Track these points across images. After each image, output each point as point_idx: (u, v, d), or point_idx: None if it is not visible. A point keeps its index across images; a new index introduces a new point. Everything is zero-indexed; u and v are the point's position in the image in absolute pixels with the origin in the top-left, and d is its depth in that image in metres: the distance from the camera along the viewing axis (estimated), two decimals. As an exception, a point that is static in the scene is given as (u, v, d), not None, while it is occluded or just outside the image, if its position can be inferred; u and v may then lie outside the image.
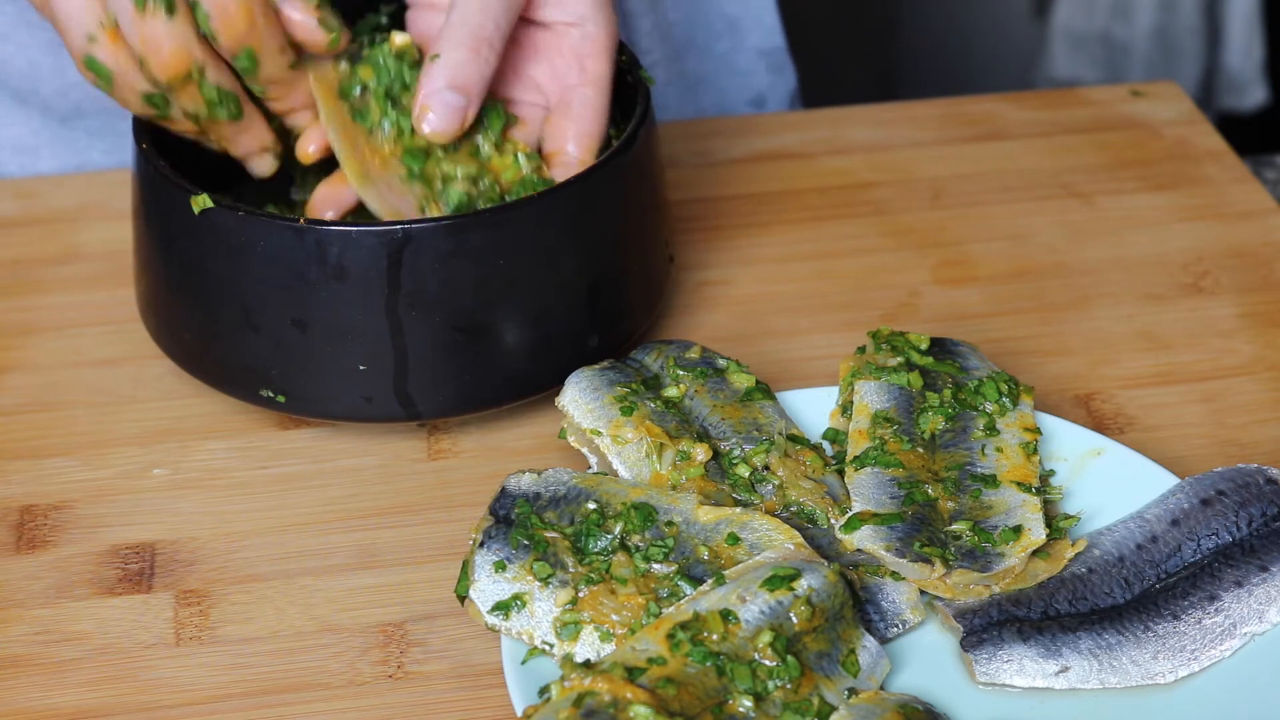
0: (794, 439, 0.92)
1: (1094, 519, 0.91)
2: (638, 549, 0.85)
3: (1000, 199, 1.20)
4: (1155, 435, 1.00)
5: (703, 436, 0.92)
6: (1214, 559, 0.86)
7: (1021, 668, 0.83)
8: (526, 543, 0.85)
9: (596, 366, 0.95)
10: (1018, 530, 0.86)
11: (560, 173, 0.98)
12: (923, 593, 0.87)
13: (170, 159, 0.96)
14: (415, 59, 0.99)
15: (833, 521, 0.89)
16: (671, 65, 1.34)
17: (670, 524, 0.86)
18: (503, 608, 0.84)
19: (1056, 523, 0.89)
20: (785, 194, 1.21)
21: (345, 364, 0.94)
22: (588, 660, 0.79)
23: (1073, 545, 0.87)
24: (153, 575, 0.92)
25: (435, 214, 0.96)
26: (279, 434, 1.00)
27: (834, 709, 0.78)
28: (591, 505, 0.86)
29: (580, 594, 0.83)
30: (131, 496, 0.97)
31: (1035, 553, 0.87)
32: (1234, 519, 0.87)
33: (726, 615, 0.79)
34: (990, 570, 0.85)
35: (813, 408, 0.97)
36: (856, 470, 0.90)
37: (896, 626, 0.85)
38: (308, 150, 0.99)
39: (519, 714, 0.80)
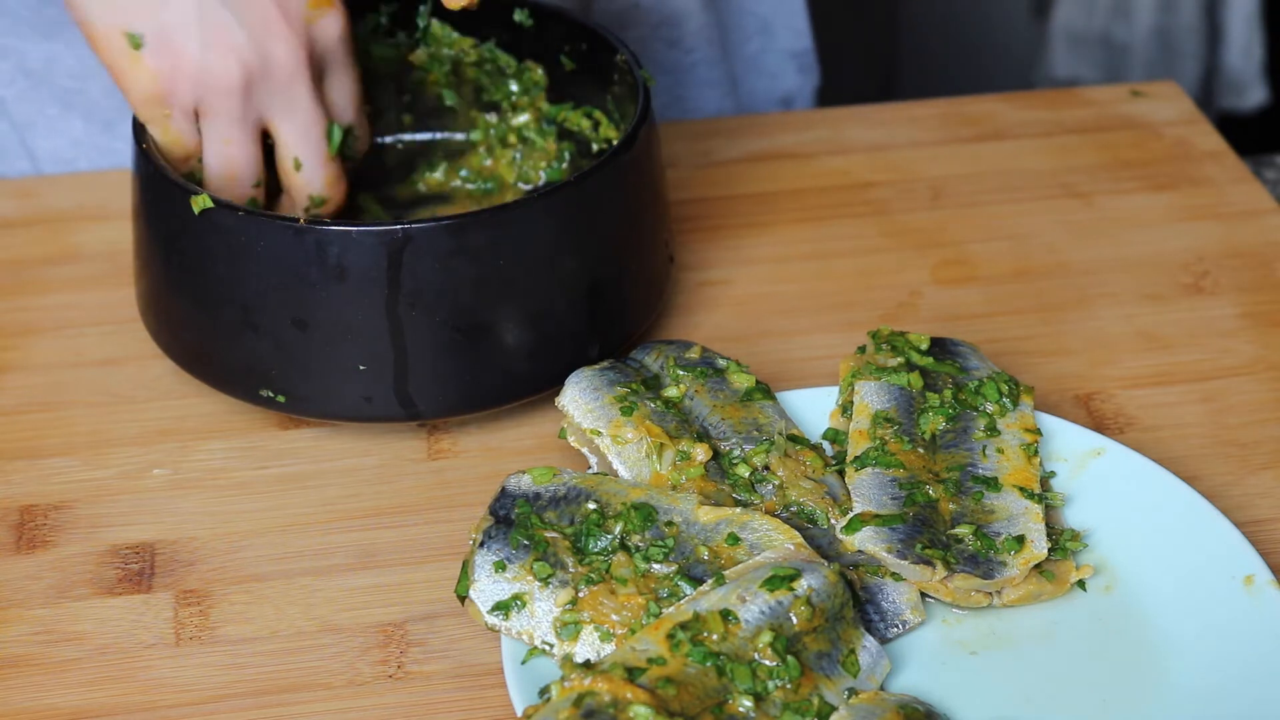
0: (794, 439, 0.92)
1: (1094, 520, 0.91)
2: (638, 549, 0.85)
3: (1000, 199, 1.20)
4: (1155, 435, 1.00)
5: (703, 436, 0.92)
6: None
7: None
8: (526, 543, 0.85)
9: (596, 366, 0.95)
10: (1020, 540, 0.86)
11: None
12: (923, 593, 0.87)
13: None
14: None
15: (833, 521, 0.89)
16: (716, 66, 1.35)
17: (670, 524, 0.86)
18: (503, 608, 0.84)
19: (1062, 540, 0.88)
20: (785, 194, 1.21)
21: (345, 364, 0.94)
22: (588, 660, 0.79)
23: (1078, 570, 0.87)
24: (153, 575, 0.92)
25: None
26: (279, 434, 1.00)
27: (834, 709, 0.78)
28: (591, 505, 0.86)
29: (580, 594, 0.83)
30: (131, 496, 0.97)
31: (1039, 569, 0.86)
32: None
33: (726, 615, 0.79)
34: (992, 578, 0.85)
35: (813, 408, 0.97)
36: (857, 471, 0.90)
37: (896, 627, 0.85)
38: None
39: (519, 714, 0.80)
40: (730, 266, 1.14)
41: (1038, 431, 0.92)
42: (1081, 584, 0.88)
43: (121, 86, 0.97)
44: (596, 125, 1.10)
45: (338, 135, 0.99)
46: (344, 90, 1.00)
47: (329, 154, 0.99)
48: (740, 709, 0.77)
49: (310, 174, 0.99)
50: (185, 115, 0.98)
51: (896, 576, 0.86)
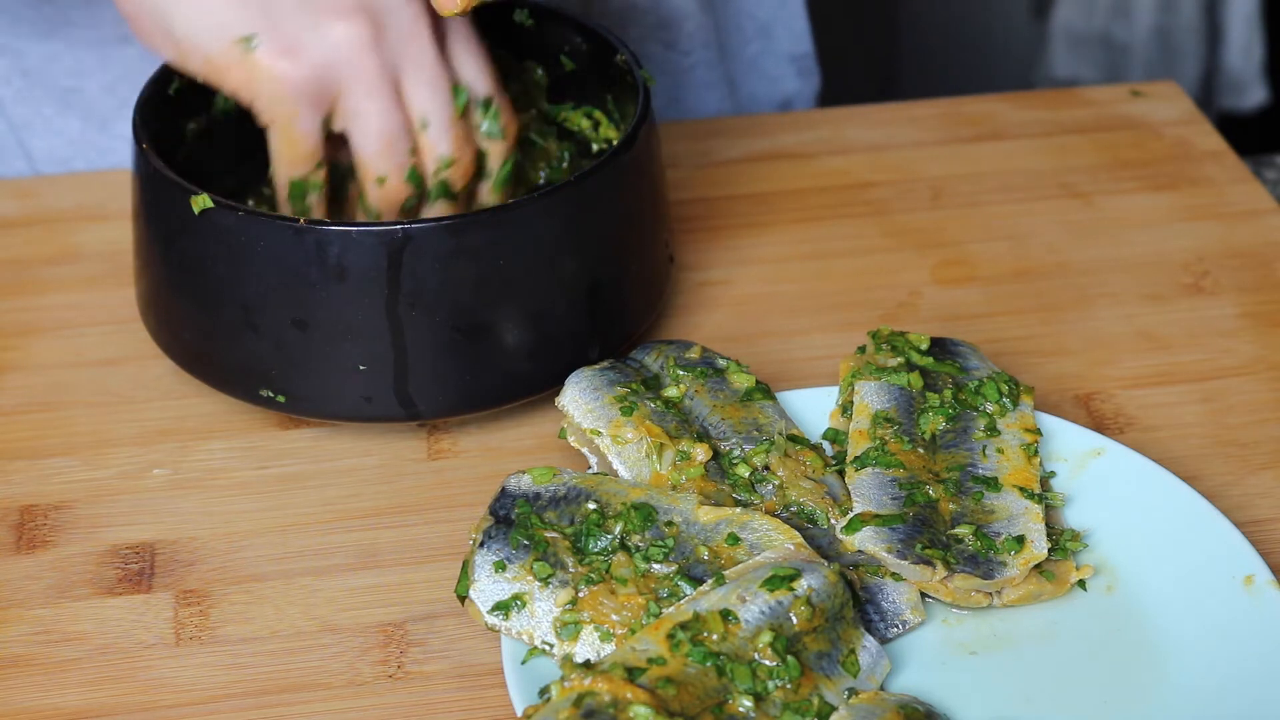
0: (794, 439, 0.92)
1: (1094, 520, 0.91)
2: (638, 549, 0.85)
3: (1000, 199, 1.21)
4: (1155, 435, 1.00)
5: (703, 436, 0.92)
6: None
7: None
8: (526, 543, 0.85)
9: (596, 366, 0.95)
10: (1020, 540, 0.86)
11: None
12: (923, 593, 0.87)
13: (170, 159, 0.96)
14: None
15: (833, 521, 0.89)
16: (714, 68, 1.35)
17: (670, 524, 0.86)
18: (503, 608, 0.84)
19: (1062, 540, 0.88)
20: (785, 194, 1.21)
21: (345, 364, 0.94)
22: (588, 660, 0.79)
23: (1078, 570, 0.87)
24: (153, 575, 0.92)
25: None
26: (279, 434, 1.00)
27: (834, 709, 0.78)
28: (591, 505, 0.86)
29: (580, 594, 0.83)
30: (131, 496, 0.97)
31: (1039, 569, 0.86)
32: None
33: (726, 615, 0.79)
34: (992, 578, 0.85)
35: (813, 408, 0.97)
36: (857, 471, 0.90)
37: (896, 626, 0.85)
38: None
39: (519, 714, 0.80)
40: (730, 266, 1.14)
41: (1038, 431, 0.92)
42: (1082, 584, 0.88)
43: (249, 99, 0.94)
44: (596, 125, 1.10)
45: (463, 97, 0.96)
46: (470, 61, 0.97)
47: (456, 114, 0.96)
48: (740, 709, 0.77)
49: (436, 133, 0.96)
50: (314, 107, 0.94)
51: (896, 576, 0.86)
